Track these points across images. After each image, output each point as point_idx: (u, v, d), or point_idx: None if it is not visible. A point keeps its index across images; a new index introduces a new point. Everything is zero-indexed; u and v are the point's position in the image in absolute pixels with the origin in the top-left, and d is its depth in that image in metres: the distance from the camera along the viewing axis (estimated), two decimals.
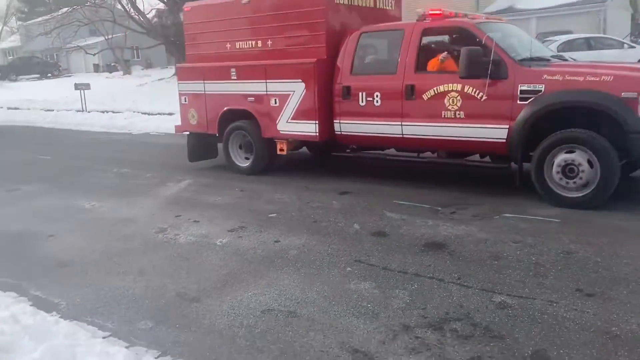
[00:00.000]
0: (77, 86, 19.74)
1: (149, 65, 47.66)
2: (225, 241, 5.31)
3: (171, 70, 33.68)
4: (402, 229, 5.33)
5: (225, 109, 8.27)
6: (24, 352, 2.87)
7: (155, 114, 17.12)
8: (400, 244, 4.93)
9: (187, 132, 9.05)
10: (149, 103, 19.65)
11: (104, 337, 3.49)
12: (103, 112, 18.75)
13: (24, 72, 45.66)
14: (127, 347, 3.32)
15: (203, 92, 8.51)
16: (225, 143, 8.42)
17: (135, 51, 47.67)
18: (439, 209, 5.95)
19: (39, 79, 44.20)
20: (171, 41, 30.68)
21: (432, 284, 4.02)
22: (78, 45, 39.68)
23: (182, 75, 9.17)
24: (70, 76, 43.36)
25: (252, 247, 5.09)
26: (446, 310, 3.60)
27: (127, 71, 40.39)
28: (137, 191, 7.65)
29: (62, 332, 3.47)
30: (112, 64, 44.77)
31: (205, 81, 8.46)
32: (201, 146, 8.96)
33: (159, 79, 30.44)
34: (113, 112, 18.51)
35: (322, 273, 4.37)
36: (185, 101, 8.87)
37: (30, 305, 3.98)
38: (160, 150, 11.97)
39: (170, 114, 16.71)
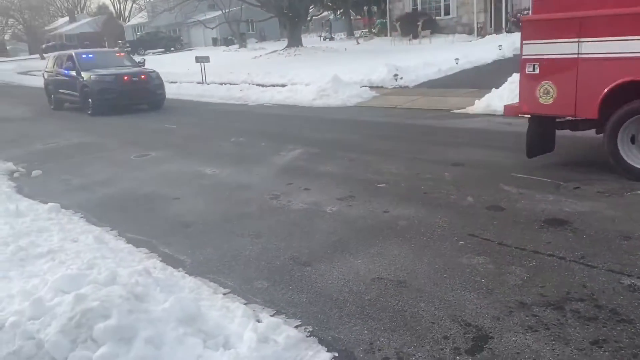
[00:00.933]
0: (198, 59, 20.83)
1: (262, 38, 49.13)
2: (335, 209, 5.40)
3: (284, 42, 34.45)
4: (519, 204, 5.08)
5: (620, 80, 5.47)
6: (156, 302, 3.14)
7: (269, 86, 17.65)
8: (517, 219, 4.71)
9: (527, 115, 6.46)
10: (263, 75, 20.29)
11: (224, 294, 3.73)
12: (221, 84, 19.67)
13: (151, 47, 49.06)
14: (245, 304, 3.52)
15: (575, 55, 5.76)
16: (611, 132, 5.68)
17: (250, 24, 49.30)
18: (561, 183, 5.58)
19: (163, 52, 47.32)
20: (284, 13, 31.34)
21: (552, 262, 3.81)
22: (198, 20, 41.90)
23: (533, 32, 6.10)
24: (191, 50, 45.92)
25: (361, 216, 5.13)
26: (567, 289, 3.40)
27: (243, 44, 41.91)
28: (253, 159, 7.99)
29: (188, 287, 3.76)
30: (229, 38, 46.67)
31: (581, 39, 5.70)
32: (542, 135, 6.41)
33: (272, 52, 31.23)
34: (230, 84, 19.35)
35: (433, 245, 4.31)
36: (535, 70, 6.09)
37: (160, 261, 4.35)
38: (274, 120, 12.35)
39: (283, 85, 17.17)
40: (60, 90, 16.59)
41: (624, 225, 4.35)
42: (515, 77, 10.36)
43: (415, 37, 30.66)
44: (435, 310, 3.31)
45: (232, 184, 6.68)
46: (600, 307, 3.17)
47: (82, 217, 5.71)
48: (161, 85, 15.65)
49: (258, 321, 3.20)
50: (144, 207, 6.05)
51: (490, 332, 3.01)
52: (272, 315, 3.36)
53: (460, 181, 6.01)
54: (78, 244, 4.52)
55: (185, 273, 4.08)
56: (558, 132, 6.44)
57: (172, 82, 22.06)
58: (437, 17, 33.64)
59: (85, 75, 14.93)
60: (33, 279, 3.58)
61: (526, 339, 2.92)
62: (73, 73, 15.48)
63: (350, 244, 4.47)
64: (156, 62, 35.88)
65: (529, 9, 28.03)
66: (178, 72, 24.98)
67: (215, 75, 21.23)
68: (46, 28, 76.22)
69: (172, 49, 49.06)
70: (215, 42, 49.47)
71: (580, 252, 3.92)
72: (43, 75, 18.20)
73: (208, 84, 19.99)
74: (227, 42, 46.77)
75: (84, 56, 16.23)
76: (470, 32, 31.13)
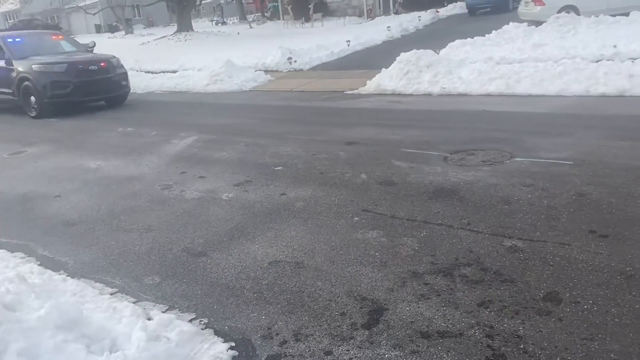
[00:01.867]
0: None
1: (151, 24, 46.92)
2: (232, 195, 5.25)
3: (173, 28, 33.11)
4: (410, 177, 5.23)
5: None
6: (29, 310, 2.85)
7: (159, 73, 16.90)
8: (408, 192, 4.84)
9: None
10: (152, 62, 19.39)
11: (111, 294, 3.48)
12: None
13: None
14: (134, 303, 3.30)
15: None
16: None
17: (136, 9, 46.85)
18: (448, 155, 5.82)
19: None
20: None
21: (441, 231, 3.95)
22: (77, 5, 39.03)
23: None
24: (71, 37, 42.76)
25: (258, 200, 5.02)
26: (455, 256, 3.54)
27: (129, 30, 39.76)
28: (142, 149, 7.58)
29: (70, 290, 3.47)
30: (114, 24, 44.07)
31: None
32: None
33: (161, 37, 29.91)
34: None
35: (329, 223, 4.31)
36: None
37: (38, 265, 3.98)
38: (165, 108, 11.83)
39: (174, 71, 16.50)
40: None
41: (505, 191, 4.61)
42: (402, 57, 10.72)
43: (308, 20, 30.79)
44: (332, 287, 3.30)
45: (119, 177, 6.28)
46: (486, 270, 3.32)
47: None
48: (125, 75, 12.48)
49: (148, 319, 3.02)
50: (20, 208, 5.52)
51: (385, 304, 3.05)
52: (164, 312, 3.18)
53: (354, 159, 6.08)
54: None
55: (67, 275, 3.76)
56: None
57: None
58: (328, 0, 34.00)
59: (21, 65, 11.33)
60: None
61: (419, 307, 2.99)
62: (1, 63, 11.66)
63: (248, 230, 4.36)
64: None
65: None
66: None
67: None
68: None
69: None
70: (98, 29, 46.52)
71: (466, 219, 4.10)
72: None
73: None
74: (112, 29, 44.15)
75: (13, 40, 12.07)
76: (360, 15, 31.80)
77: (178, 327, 2.91)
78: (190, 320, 3.08)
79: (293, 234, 4.17)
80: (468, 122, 7.33)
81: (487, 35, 13.37)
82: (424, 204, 4.50)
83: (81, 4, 40.07)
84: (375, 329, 2.83)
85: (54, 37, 13.47)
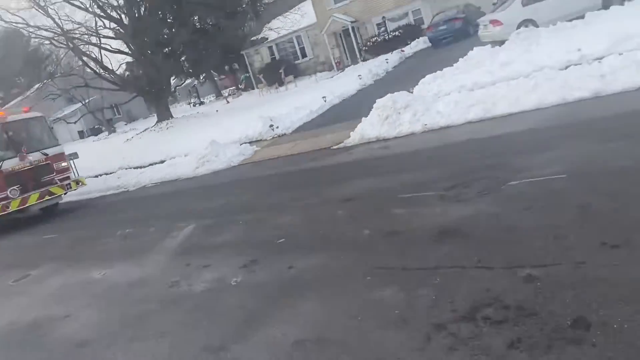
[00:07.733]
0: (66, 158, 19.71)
1: (131, 119, 47.91)
2: (240, 280, 5.20)
3: (154, 118, 33.77)
4: (413, 224, 5.22)
5: None
6: None
7: (147, 166, 17.10)
8: (414, 239, 4.82)
9: None
10: (140, 156, 19.63)
11: None
12: (96, 176, 18.70)
13: None
14: None
15: None
16: None
17: (115, 109, 47.85)
18: (444, 193, 5.83)
19: None
20: (146, 91, 30.82)
21: (454, 274, 3.90)
22: (57, 117, 39.85)
23: None
24: None
25: (267, 281, 4.97)
26: (474, 298, 3.48)
27: (112, 130, 40.55)
28: (144, 249, 7.54)
29: None
30: (96, 127, 44.97)
31: None
32: None
33: (143, 130, 30.43)
34: (106, 174, 18.48)
35: (342, 290, 4.25)
36: None
37: None
38: (159, 200, 11.89)
39: (161, 161, 16.70)
40: None
41: (507, 219, 4.60)
42: (379, 103, 10.92)
43: (281, 84, 31.53)
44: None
45: (125, 283, 6.22)
46: (507, 307, 3.26)
47: None
48: None
49: None
50: (31, 335, 5.42)
51: None
52: None
53: (354, 216, 6.08)
54: None
55: None
56: None
57: None
58: (297, 62, 35.01)
59: None
60: None
61: None
62: None
63: (263, 313, 4.29)
64: None
65: (376, 36, 29.99)
66: None
67: (88, 170, 20.07)
68: None
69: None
70: (82, 134, 47.40)
71: (476, 257, 4.06)
72: None
73: None
74: (95, 132, 45.03)
75: None
76: (330, 69, 32.65)
77: None
78: None
79: (309, 309, 4.10)
80: (456, 155, 7.40)
81: (454, 64, 13.67)
82: (431, 249, 4.46)
83: (60, 115, 40.98)
84: None
85: None
